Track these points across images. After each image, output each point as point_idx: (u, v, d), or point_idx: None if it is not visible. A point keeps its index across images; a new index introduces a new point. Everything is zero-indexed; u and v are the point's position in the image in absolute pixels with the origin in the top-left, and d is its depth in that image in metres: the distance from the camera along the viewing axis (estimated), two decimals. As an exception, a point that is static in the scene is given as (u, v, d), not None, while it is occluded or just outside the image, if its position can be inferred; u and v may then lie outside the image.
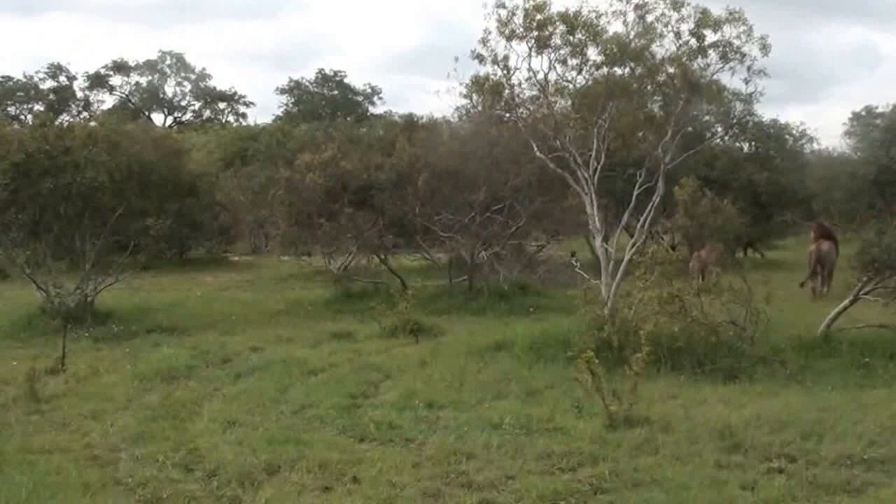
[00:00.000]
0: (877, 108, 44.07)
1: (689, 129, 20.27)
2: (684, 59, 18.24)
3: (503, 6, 18.88)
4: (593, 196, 18.53)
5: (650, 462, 10.64)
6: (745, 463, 10.63)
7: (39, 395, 14.20)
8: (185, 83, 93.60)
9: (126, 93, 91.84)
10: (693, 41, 18.17)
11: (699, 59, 18.28)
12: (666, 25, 18.30)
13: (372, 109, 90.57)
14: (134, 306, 24.16)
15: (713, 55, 18.13)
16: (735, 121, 33.16)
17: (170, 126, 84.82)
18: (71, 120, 62.65)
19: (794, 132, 41.09)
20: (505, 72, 19.63)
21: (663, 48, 18.52)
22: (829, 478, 10.01)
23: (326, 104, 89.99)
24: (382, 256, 27.05)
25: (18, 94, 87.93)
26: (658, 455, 10.91)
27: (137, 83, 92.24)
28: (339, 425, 12.44)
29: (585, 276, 19.32)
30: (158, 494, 9.65)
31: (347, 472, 10.33)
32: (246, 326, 21.59)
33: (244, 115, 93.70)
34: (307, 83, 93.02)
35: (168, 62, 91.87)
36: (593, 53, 18.85)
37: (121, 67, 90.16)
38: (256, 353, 17.98)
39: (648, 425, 11.97)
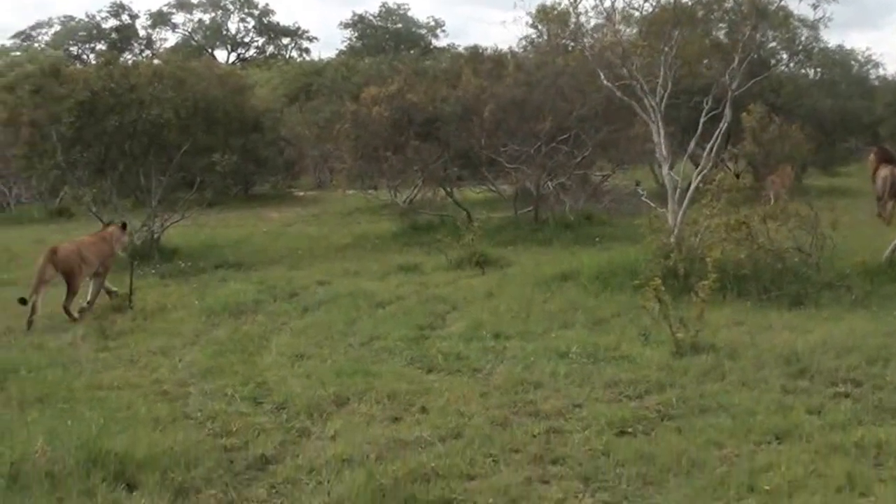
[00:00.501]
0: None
1: (756, 56, 20.03)
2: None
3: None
4: (660, 124, 18.41)
5: (717, 388, 10.67)
6: (810, 388, 10.64)
7: (107, 333, 14.44)
8: (249, 19, 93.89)
9: (189, 30, 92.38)
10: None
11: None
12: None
13: (435, 43, 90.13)
14: (200, 243, 24.45)
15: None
16: (801, 47, 32.84)
17: (233, 63, 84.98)
18: (134, 59, 62.83)
19: (860, 58, 40.71)
20: (571, 0, 19.53)
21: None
22: (895, 402, 10.00)
23: (390, 38, 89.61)
24: (448, 189, 27.05)
25: (81, 33, 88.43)
26: (724, 381, 10.94)
27: (200, 20, 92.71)
28: (407, 356, 12.56)
29: (651, 204, 19.24)
30: (228, 427, 9.77)
31: (416, 403, 10.44)
32: (312, 261, 21.74)
33: (307, 51, 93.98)
34: (370, 17, 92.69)
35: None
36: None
37: (183, 5, 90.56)
38: (323, 286, 18.10)
39: (715, 352, 11.99)
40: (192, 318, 15.55)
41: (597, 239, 23.13)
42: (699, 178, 18.03)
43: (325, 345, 13.38)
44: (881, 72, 41.15)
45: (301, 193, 41.14)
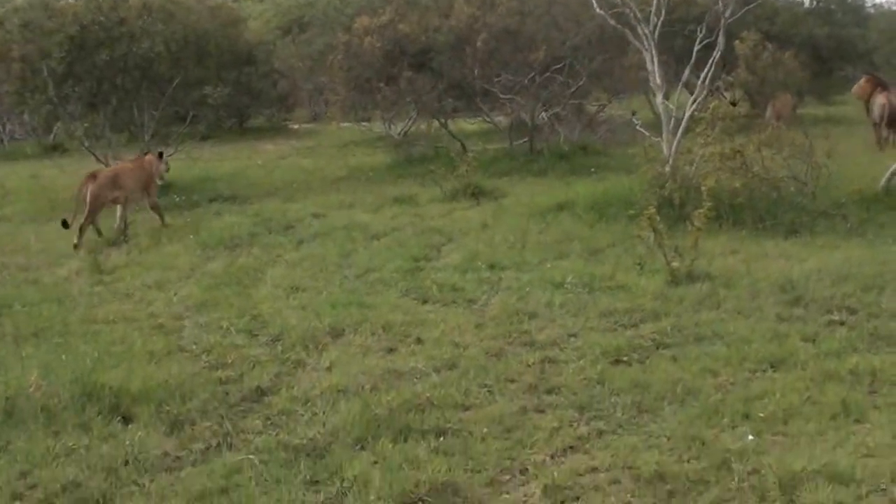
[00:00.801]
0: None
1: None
2: None
3: None
4: (654, 52, 18.28)
5: (712, 317, 10.67)
6: (805, 316, 10.62)
7: (102, 267, 14.43)
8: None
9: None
10: None
11: None
12: None
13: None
14: (194, 176, 24.38)
15: None
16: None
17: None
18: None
19: (855, -15, 40.46)
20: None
21: None
22: (891, 329, 9.98)
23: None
24: (442, 120, 26.93)
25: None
26: (719, 310, 10.94)
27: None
28: (402, 288, 12.53)
29: (646, 133, 19.17)
30: (223, 360, 9.81)
31: (411, 334, 10.45)
32: (307, 193, 21.66)
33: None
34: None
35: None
36: None
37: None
38: (318, 219, 18.05)
39: (710, 280, 11.98)
40: (187, 251, 15.53)
41: (592, 169, 23.06)
42: (693, 106, 17.94)
43: (320, 277, 13.37)
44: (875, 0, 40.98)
45: (296, 126, 40.92)
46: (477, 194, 19.89)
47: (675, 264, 12.21)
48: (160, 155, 19.18)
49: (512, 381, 8.98)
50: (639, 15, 18.31)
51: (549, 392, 8.69)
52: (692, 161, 16.79)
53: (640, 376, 8.86)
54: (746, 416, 7.91)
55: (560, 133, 25.63)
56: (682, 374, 8.87)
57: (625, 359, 9.44)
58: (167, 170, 19.93)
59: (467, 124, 29.52)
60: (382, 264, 13.81)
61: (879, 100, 25.21)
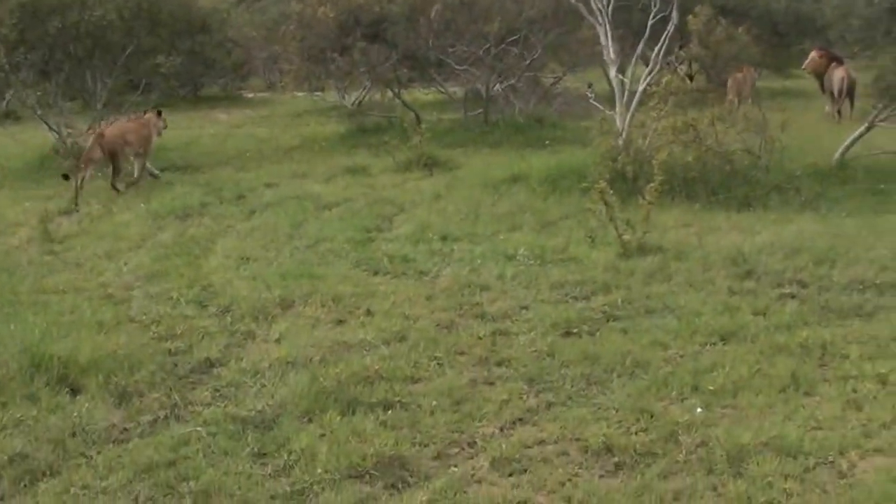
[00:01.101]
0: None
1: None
2: None
3: None
4: (607, 27, 18.26)
5: (663, 289, 10.69)
6: (757, 289, 10.66)
7: (53, 236, 14.27)
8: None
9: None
10: None
11: None
12: None
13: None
14: (147, 145, 24.15)
15: None
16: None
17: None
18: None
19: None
20: None
21: None
22: (841, 302, 10.05)
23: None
24: (396, 90, 26.77)
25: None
26: (671, 282, 10.96)
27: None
28: (353, 259, 12.46)
29: (600, 107, 19.13)
30: (172, 331, 9.72)
31: (361, 306, 10.39)
32: (260, 163, 21.46)
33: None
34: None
35: None
36: None
37: None
38: (270, 189, 17.88)
39: (661, 253, 11.99)
40: (138, 221, 15.34)
41: (547, 142, 22.96)
42: (647, 80, 17.92)
43: (270, 247, 13.27)
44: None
45: (251, 95, 40.54)
46: (430, 165, 19.78)
47: (626, 237, 12.21)
48: (159, 113, 20.06)
49: (462, 353, 8.96)
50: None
51: (498, 364, 8.68)
52: (645, 134, 16.79)
53: (590, 348, 8.86)
54: (695, 389, 7.93)
55: (515, 105, 25.51)
56: (632, 347, 8.88)
57: (575, 331, 9.45)
58: (165, 127, 20.53)
59: (422, 95, 29.35)
60: (334, 235, 13.71)
61: (839, 73, 25.40)
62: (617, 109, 18.05)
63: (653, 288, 10.74)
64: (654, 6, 18.32)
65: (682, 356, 8.74)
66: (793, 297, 10.38)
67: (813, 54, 27.14)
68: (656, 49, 18.21)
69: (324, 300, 10.54)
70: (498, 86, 25.48)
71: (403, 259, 12.31)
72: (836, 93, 25.57)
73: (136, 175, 18.99)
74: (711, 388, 7.90)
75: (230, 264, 12.36)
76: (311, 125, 28.16)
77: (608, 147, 16.76)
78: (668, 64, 18.32)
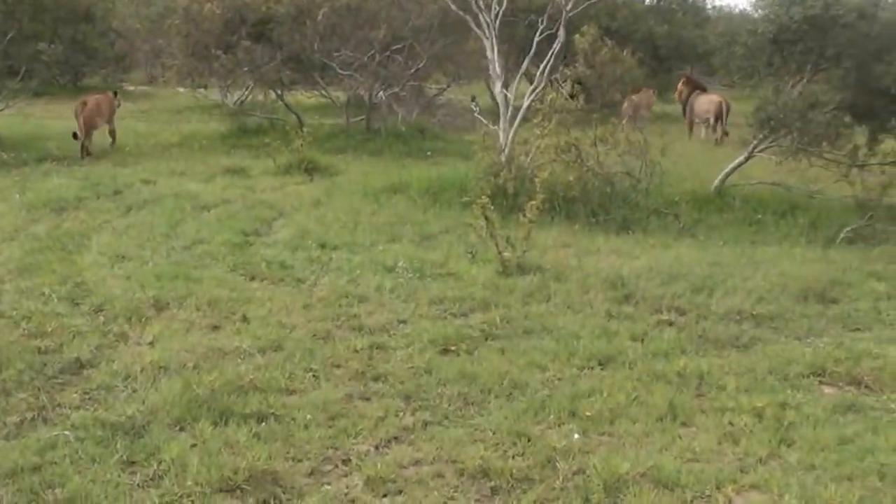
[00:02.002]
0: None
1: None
2: None
3: None
4: (494, 41, 18.25)
5: (542, 310, 10.66)
6: (635, 314, 10.69)
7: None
8: None
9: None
10: None
11: None
12: None
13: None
14: (25, 134, 23.63)
15: None
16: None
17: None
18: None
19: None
20: None
21: None
22: (718, 332, 10.12)
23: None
24: (279, 92, 26.53)
25: None
26: (549, 303, 10.94)
27: None
28: (230, 263, 12.27)
29: (484, 121, 19.14)
30: (42, 328, 9.44)
31: (237, 311, 10.22)
32: (139, 158, 21.10)
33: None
34: None
35: None
36: None
37: None
38: (148, 185, 17.60)
39: (541, 273, 12.00)
40: (11, 212, 14.96)
41: (428, 153, 22.97)
42: (532, 97, 17.95)
43: (146, 246, 13.01)
44: (716, 2, 41.88)
45: (132, 88, 39.92)
46: (310, 170, 19.67)
47: (506, 255, 12.18)
48: (115, 93, 23.88)
49: (338, 366, 8.83)
50: (481, 3, 18.28)
51: (375, 379, 8.57)
52: (527, 151, 16.80)
53: (468, 367, 8.78)
54: (573, 414, 7.90)
55: (398, 114, 25.44)
56: (510, 368, 8.82)
57: (453, 348, 9.35)
58: (118, 105, 23.74)
59: (304, 98, 29.14)
60: (211, 237, 13.52)
61: (712, 98, 26.57)
62: (500, 125, 18.06)
63: (532, 308, 10.71)
64: (541, 23, 18.37)
65: (559, 379, 8.71)
66: (670, 324, 10.44)
67: (680, 83, 28.06)
68: (541, 66, 18.25)
69: (199, 304, 10.35)
70: (381, 93, 25.35)
71: (281, 265, 12.16)
72: (709, 117, 26.48)
73: (111, 139, 22.89)
74: (589, 413, 7.87)
75: (105, 262, 12.08)
76: (192, 122, 27.94)
77: (490, 162, 16.76)
78: (552, 82, 18.33)
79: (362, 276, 11.77)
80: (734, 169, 17.85)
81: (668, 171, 16.86)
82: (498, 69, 18.47)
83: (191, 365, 8.54)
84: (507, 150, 17.32)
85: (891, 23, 17.11)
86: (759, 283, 11.84)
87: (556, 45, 17.85)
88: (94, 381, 8.24)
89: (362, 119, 25.73)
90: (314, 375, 8.56)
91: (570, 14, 18.10)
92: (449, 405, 8.04)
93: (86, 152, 21.22)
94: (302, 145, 19.94)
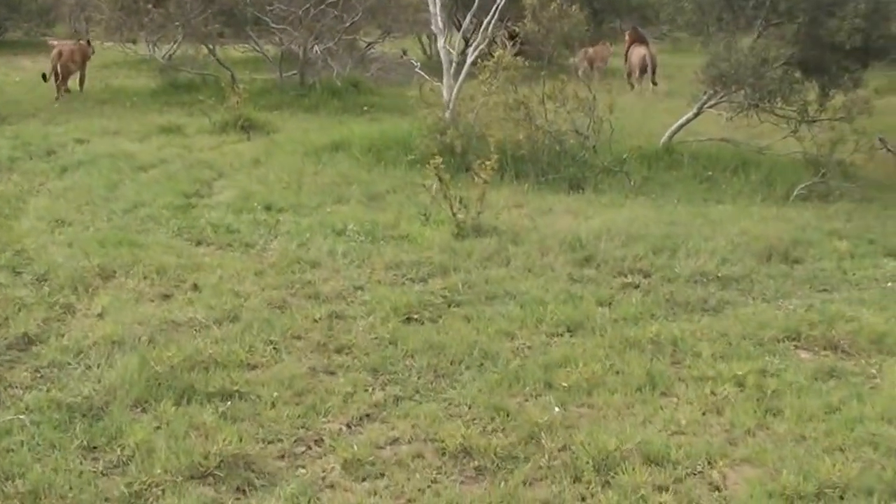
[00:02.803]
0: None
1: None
2: None
3: None
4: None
5: (502, 274, 10.31)
6: (598, 277, 10.39)
7: None
8: None
9: None
10: None
11: None
12: None
13: None
14: (-55, 92, 22.91)
15: None
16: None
17: None
18: None
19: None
20: None
21: None
22: (687, 295, 9.83)
23: None
24: (211, 47, 25.86)
25: None
26: (509, 267, 10.60)
27: None
28: (174, 227, 11.80)
29: (426, 77, 18.72)
30: (-16, 301, 8.95)
31: (186, 279, 9.77)
32: (69, 116, 20.39)
33: None
34: None
35: None
36: None
37: None
38: (82, 145, 16.96)
39: (497, 235, 11.64)
40: (-61, 176, 14.35)
41: (365, 108, 22.56)
42: (475, 53, 17.56)
43: (86, 210, 12.49)
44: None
45: (55, 42, 39.02)
46: (247, 128, 19.14)
47: (460, 216, 11.81)
48: (88, 42, 25.70)
49: (298, 337, 8.44)
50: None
51: (338, 351, 8.19)
52: (473, 109, 16.43)
53: (434, 337, 8.42)
54: (549, 385, 7.59)
55: (333, 69, 24.90)
56: (478, 336, 8.48)
57: (416, 317, 9.00)
58: (93, 52, 25.59)
59: (236, 52, 28.51)
60: (152, 199, 13.02)
61: (640, 51, 26.92)
62: (444, 81, 17.66)
63: (491, 272, 10.36)
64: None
65: (529, 347, 8.40)
66: (636, 287, 10.15)
67: (626, 36, 28.89)
68: (485, 22, 17.86)
69: (146, 272, 9.88)
70: (315, 48, 24.79)
71: (228, 229, 11.71)
72: (637, 70, 26.95)
73: (80, 86, 24.40)
74: (565, 384, 7.56)
75: (44, 227, 11.54)
76: (121, 78, 27.21)
77: (435, 120, 16.38)
78: (496, 38, 17.96)
79: (312, 239, 11.34)
80: (682, 125, 17.60)
81: (615, 128, 16.53)
82: (441, 23, 18.06)
83: (145, 339, 8.08)
84: (451, 107, 16.95)
85: (845, -24, 16.88)
86: (720, 244, 11.54)
87: (500, 1, 17.48)
88: (44, 357, 7.77)
89: (295, 74, 25.21)
90: (274, 348, 8.15)
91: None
92: (419, 378, 7.70)
93: (62, 92, 23.06)
94: (238, 102, 19.41)
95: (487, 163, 12.16)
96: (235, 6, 24.61)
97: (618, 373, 7.86)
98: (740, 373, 7.87)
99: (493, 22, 17.68)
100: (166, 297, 9.35)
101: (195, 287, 9.57)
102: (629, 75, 27.50)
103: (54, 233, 11.35)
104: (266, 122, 19.87)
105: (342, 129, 18.55)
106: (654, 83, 26.49)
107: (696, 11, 18.19)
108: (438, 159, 11.91)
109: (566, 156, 15.79)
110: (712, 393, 7.57)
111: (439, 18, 18.06)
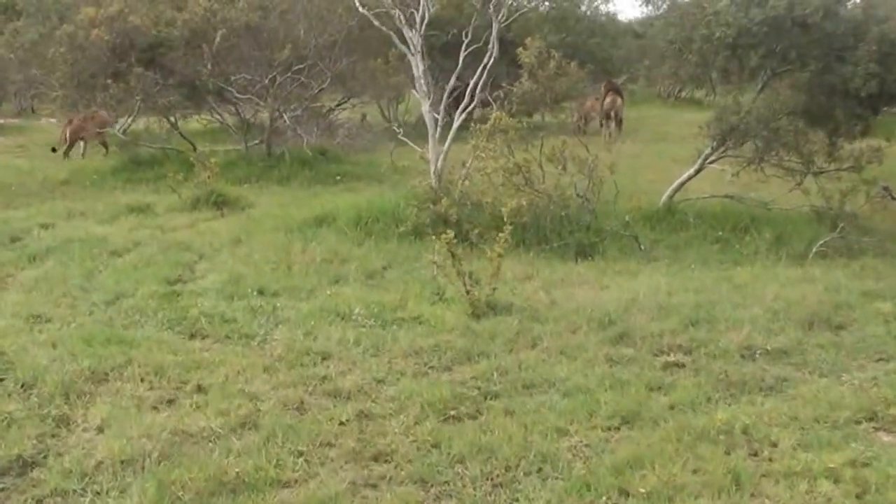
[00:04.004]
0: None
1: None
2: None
3: None
4: (420, 57, 17.07)
5: (532, 358, 9.37)
6: (637, 357, 9.46)
7: None
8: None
9: None
10: None
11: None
12: None
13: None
14: None
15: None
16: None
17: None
18: None
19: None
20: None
21: None
22: (741, 374, 8.89)
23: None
24: (174, 120, 24.92)
25: None
26: (539, 349, 9.68)
27: None
28: (163, 319, 10.71)
29: (410, 144, 17.90)
30: (-33, 417, 7.83)
31: (188, 380, 8.70)
32: (29, 199, 19.35)
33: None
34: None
35: None
36: None
37: None
38: (48, 230, 15.88)
39: (515, 313, 10.76)
40: None
41: (338, 177, 21.75)
42: (462, 115, 16.73)
43: (63, 303, 11.40)
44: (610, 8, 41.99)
45: (1, 121, 38.06)
46: (220, 204, 18.20)
47: (474, 293, 10.87)
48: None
49: (328, 444, 7.38)
50: (403, 18, 17.04)
51: (376, 459, 7.16)
52: (464, 175, 15.56)
53: (480, 437, 7.41)
54: (625, 493, 6.62)
55: (303, 137, 23.98)
56: (528, 435, 7.49)
57: (453, 413, 7.98)
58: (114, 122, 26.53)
59: (196, 123, 27.62)
60: (134, 288, 11.96)
61: (608, 98, 28.69)
62: (430, 146, 16.81)
63: (521, 356, 9.41)
64: (466, 37, 17.19)
65: (587, 446, 7.41)
66: (681, 366, 9.24)
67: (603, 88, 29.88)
68: (472, 83, 17.01)
69: (142, 373, 8.81)
70: (284, 116, 23.89)
71: (222, 319, 10.66)
72: (603, 114, 28.79)
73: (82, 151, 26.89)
74: (643, 490, 6.58)
75: (21, 325, 10.40)
76: (76, 156, 26.14)
77: (425, 188, 15.52)
78: (494, 100, 17.10)
79: (317, 327, 10.33)
80: (683, 183, 16.82)
81: (612, 189, 15.72)
82: (425, 86, 17.20)
83: (155, 455, 7.01)
84: (438, 174, 16.10)
85: (854, 20, 16.18)
86: (756, 312, 10.71)
87: (488, 60, 16.65)
88: (45, 484, 6.66)
89: (260, 143, 24.32)
90: (305, 460, 7.09)
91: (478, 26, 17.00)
92: (475, 489, 6.69)
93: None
94: (209, 177, 18.46)
95: (502, 234, 11.25)
96: (197, 77, 23.68)
97: (695, 471, 6.89)
98: (832, 465, 6.93)
99: (481, 82, 16.81)
100: (170, 402, 8.28)
101: (199, 389, 8.52)
102: (584, 119, 29.79)
103: (33, 331, 10.23)
104: (239, 197, 18.95)
105: (322, 202, 17.69)
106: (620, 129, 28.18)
107: (700, 63, 17.47)
108: (450, 233, 11.01)
109: (570, 221, 14.90)
110: (808, 492, 6.62)
111: (423, 81, 17.19)
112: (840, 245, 14.74)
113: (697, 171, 16.69)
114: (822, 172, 16.14)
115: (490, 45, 16.77)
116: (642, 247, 14.50)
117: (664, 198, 16.57)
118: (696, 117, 18.90)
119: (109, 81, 22.95)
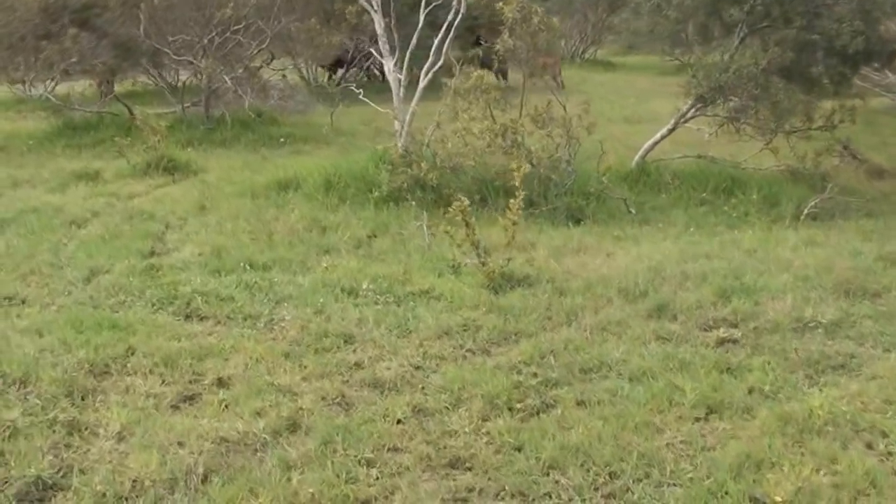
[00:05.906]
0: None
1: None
2: None
3: None
4: (381, 15, 16.11)
5: (576, 336, 8.52)
6: (685, 333, 8.64)
7: None
8: None
9: None
10: None
11: None
12: None
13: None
14: None
15: None
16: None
17: None
18: None
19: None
20: None
21: None
22: (810, 351, 8.11)
23: None
24: (110, 82, 23.67)
25: None
26: (577, 326, 8.82)
27: None
28: (150, 297, 9.66)
29: (371, 104, 16.94)
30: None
31: (204, 371, 7.70)
32: (-35, 166, 18.06)
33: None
34: None
35: None
36: None
37: None
38: (-5, 200, 14.66)
39: (535, 285, 9.93)
40: None
41: (282, 140, 20.74)
42: (428, 75, 15.74)
43: (34, 281, 10.27)
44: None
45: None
46: (171, 169, 17.05)
47: (489, 265, 9.98)
48: None
49: (396, 449, 6.42)
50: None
51: (454, 466, 6.23)
52: (441, 138, 14.60)
53: (564, 437, 6.50)
54: (759, 503, 5.72)
55: (244, 99, 22.81)
56: (616, 431, 6.59)
57: (520, 406, 7.05)
58: None
59: (131, 86, 26.40)
60: (108, 263, 10.84)
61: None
62: (395, 107, 15.85)
63: (562, 334, 8.54)
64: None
65: (683, 442, 6.52)
66: (734, 342, 8.43)
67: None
68: (436, 41, 16.00)
69: (149, 364, 7.78)
70: (225, 78, 22.71)
71: (217, 297, 9.62)
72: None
73: None
74: (780, 499, 5.71)
75: (-5, 310, 9.31)
76: (6, 121, 24.71)
77: (398, 151, 14.59)
78: (472, 59, 16.17)
79: (326, 304, 9.37)
80: (656, 142, 16.03)
81: (586, 149, 14.98)
82: (388, 45, 16.19)
83: (201, 470, 6.01)
84: (404, 136, 15.17)
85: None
86: (786, 280, 9.94)
87: (454, 17, 15.66)
88: (76, 511, 5.64)
89: (194, 104, 23.15)
90: (378, 470, 6.12)
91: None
92: (583, 501, 5.78)
93: None
94: (158, 141, 17.32)
95: (514, 201, 10.35)
96: (131, 39, 22.42)
97: (818, 470, 6.03)
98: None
99: (448, 40, 15.80)
100: (190, 399, 7.25)
101: (220, 382, 7.51)
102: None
103: (10, 316, 9.12)
104: (188, 161, 17.77)
105: (278, 166, 16.63)
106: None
107: (680, 20, 16.62)
108: (465, 201, 10.06)
109: (558, 184, 14.03)
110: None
111: (385, 39, 16.18)
112: (827, 206, 14.15)
113: (671, 131, 15.94)
114: (794, 132, 15.65)
115: (455, 2, 15.75)
116: (632, 210, 13.72)
117: (636, 158, 15.77)
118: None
119: (45, 44, 21.61)
